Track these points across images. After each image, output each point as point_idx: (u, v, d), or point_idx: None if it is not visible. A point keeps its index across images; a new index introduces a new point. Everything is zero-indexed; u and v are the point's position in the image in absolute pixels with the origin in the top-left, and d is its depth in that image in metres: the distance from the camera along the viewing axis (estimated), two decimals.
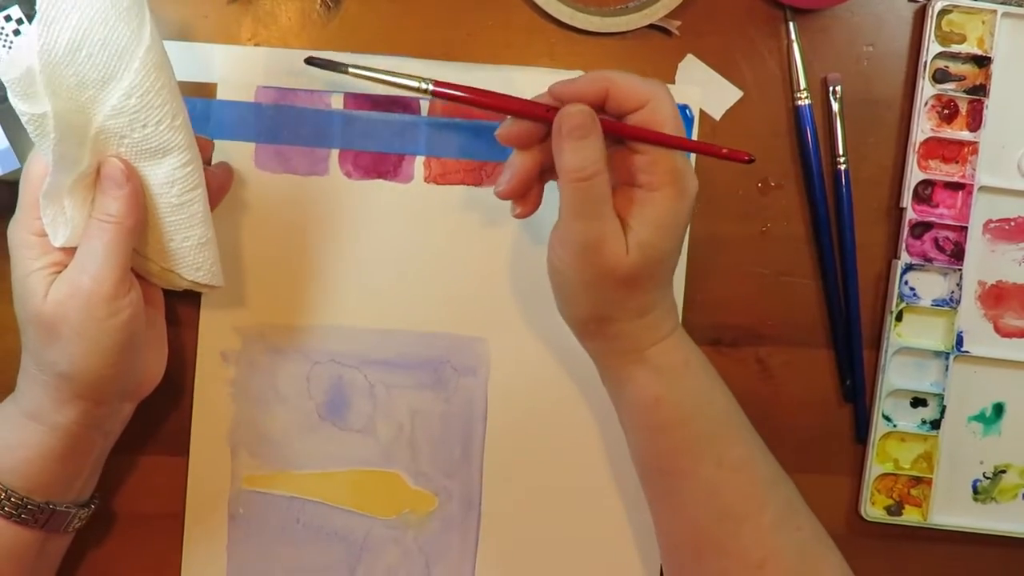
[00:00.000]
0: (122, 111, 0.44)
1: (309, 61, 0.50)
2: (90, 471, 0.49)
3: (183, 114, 0.45)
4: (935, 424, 0.57)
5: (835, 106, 0.56)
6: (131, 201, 0.44)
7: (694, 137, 0.55)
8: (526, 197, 0.50)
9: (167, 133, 0.45)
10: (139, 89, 0.43)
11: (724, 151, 0.48)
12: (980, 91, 0.56)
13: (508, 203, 0.54)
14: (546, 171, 0.49)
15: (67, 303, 0.43)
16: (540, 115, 0.47)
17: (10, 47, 0.47)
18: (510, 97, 0.48)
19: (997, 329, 0.57)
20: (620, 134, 0.47)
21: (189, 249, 0.47)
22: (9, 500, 0.45)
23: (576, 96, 0.46)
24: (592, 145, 0.45)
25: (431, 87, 0.48)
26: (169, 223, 0.47)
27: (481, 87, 0.48)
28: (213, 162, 0.53)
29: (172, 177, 0.46)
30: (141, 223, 0.45)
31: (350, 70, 0.49)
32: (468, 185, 0.55)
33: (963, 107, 0.56)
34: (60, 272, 0.45)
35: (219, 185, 0.51)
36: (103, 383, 0.45)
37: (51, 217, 0.44)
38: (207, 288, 0.49)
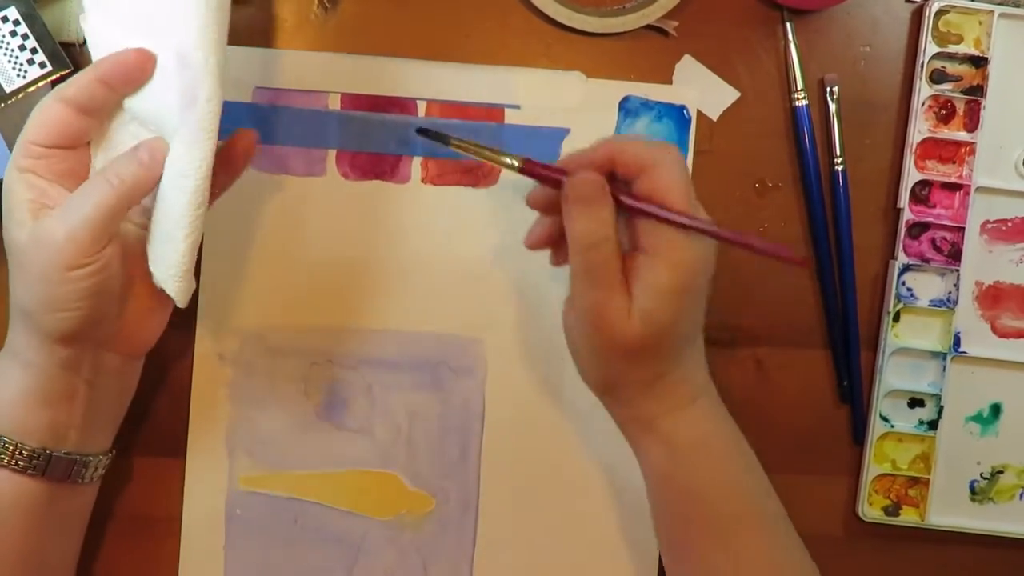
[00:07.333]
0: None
1: (420, 132, 0.49)
2: (83, 422, 0.47)
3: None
4: (932, 425, 0.57)
5: (832, 107, 0.56)
6: (148, 182, 0.44)
7: (691, 138, 0.55)
8: (559, 250, 0.49)
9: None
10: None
11: (755, 244, 0.45)
12: (977, 92, 0.56)
13: (505, 204, 0.54)
14: None
15: (37, 247, 0.42)
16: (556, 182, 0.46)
17: (7, 50, 0.47)
18: (534, 162, 0.46)
19: (994, 330, 0.57)
20: (620, 206, 0.45)
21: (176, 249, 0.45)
22: (5, 448, 0.44)
23: (583, 164, 0.45)
24: (597, 213, 0.44)
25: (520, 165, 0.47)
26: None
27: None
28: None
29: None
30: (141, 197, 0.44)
31: (452, 143, 0.48)
32: (465, 186, 0.55)
33: (960, 108, 0.56)
34: (44, 207, 0.43)
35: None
36: (61, 324, 0.44)
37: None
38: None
